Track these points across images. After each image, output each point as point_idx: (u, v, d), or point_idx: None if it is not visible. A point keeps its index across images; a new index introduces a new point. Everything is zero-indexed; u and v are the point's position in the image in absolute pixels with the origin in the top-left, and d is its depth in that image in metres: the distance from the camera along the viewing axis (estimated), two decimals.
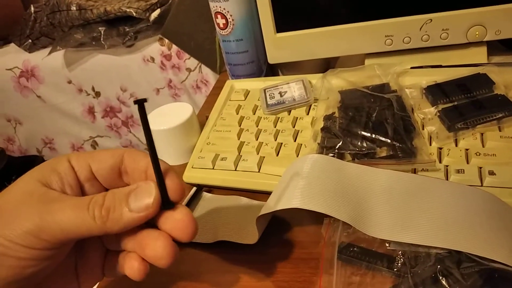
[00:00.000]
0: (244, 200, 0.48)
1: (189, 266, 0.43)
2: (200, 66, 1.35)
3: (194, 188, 0.50)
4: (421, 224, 0.35)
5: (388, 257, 0.35)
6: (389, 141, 0.45)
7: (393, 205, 0.37)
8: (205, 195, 0.50)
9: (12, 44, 1.67)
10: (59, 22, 1.42)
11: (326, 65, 0.73)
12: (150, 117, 0.59)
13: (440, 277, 0.31)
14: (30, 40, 1.57)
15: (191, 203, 0.49)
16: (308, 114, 0.56)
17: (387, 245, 0.37)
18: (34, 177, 0.32)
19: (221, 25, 0.65)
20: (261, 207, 0.45)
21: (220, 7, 0.63)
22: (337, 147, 0.45)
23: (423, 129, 0.48)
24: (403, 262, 0.34)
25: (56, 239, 0.29)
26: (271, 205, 0.39)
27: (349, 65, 0.59)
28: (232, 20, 0.64)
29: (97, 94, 1.58)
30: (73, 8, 1.36)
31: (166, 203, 0.31)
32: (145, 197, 0.30)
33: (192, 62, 1.36)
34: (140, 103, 0.28)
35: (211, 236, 0.44)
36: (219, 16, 0.64)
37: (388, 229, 0.36)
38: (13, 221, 0.29)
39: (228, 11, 0.63)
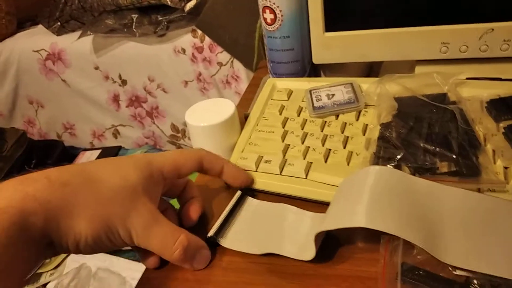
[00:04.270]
0: (294, 210, 0.44)
1: (235, 277, 0.40)
2: (232, 61, 1.32)
3: (239, 192, 0.47)
4: (499, 253, 0.32)
5: (460, 285, 0.32)
6: (454, 156, 0.42)
7: (466, 229, 0.34)
8: (251, 200, 0.47)
9: (40, 26, 1.66)
10: (91, 6, 1.41)
11: (368, 69, 0.70)
12: (190, 112, 0.56)
13: None
14: (59, 23, 1.56)
15: (236, 208, 0.46)
16: (358, 120, 0.53)
17: (450, 269, 0.34)
18: (141, 176, 0.39)
19: (269, 20, 0.63)
20: (314, 219, 0.42)
21: (269, 1, 0.60)
22: (397, 158, 0.43)
23: (485, 145, 0.45)
24: None
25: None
26: (332, 222, 0.36)
27: (394, 71, 0.56)
28: (281, 15, 0.61)
29: (124, 83, 1.56)
30: None
31: None
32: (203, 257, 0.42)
33: (224, 56, 1.33)
34: None
35: (260, 247, 0.41)
36: (267, 10, 0.62)
37: (463, 256, 0.33)
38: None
39: (277, 6, 0.60)
